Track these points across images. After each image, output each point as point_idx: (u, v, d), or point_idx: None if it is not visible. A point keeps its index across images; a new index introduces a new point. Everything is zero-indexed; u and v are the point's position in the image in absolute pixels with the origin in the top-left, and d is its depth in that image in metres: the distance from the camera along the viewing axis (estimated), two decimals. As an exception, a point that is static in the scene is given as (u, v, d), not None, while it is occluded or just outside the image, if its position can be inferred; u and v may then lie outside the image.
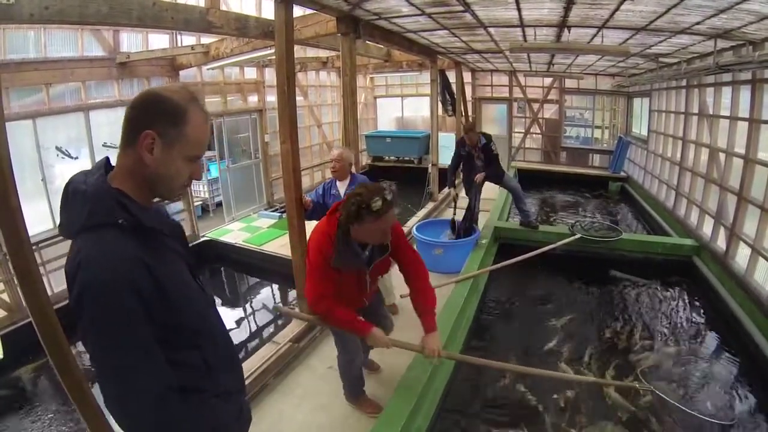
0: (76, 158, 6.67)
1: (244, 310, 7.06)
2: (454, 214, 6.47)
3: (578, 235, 6.15)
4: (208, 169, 10.83)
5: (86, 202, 1.16)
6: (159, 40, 7.73)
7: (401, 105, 15.35)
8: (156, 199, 1.38)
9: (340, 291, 2.67)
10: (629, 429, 3.43)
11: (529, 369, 3.51)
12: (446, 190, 10.52)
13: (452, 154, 6.55)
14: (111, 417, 1.22)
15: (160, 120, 1.21)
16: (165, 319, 1.20)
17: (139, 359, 1.15)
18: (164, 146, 1.22)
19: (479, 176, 6.13)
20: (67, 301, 1.16)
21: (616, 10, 4.01)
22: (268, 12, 7.20)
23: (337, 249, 2.48)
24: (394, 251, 2.70)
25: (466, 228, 6.20)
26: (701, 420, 3.40)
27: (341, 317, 2.63)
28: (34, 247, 3.06)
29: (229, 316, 6.74)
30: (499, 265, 5.51)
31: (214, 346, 1.40)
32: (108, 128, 6.93)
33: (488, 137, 6.28)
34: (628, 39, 5.36)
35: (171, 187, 1.30)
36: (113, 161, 1.31)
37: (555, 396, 3.74)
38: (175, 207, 8.19)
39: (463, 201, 6.47)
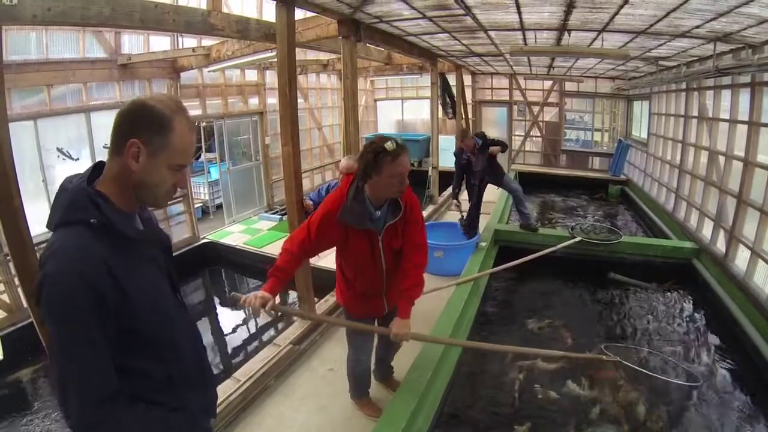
0: (77, 159, 6.68)
1: (245, 312, 7.05)
2: (462, 217, 6.50)
3: (578, 238, 6.16)
4: (209, 171, 10.85)
5: (65, 199, 1.21)
6: (160, 42, 7.75)
7: (401, 108, 15.38)
8: (149, 207, 1.43)
9: (355, 264, 2.66)
10: (601, 397, 3.73)
11: (496, 346, 3.98)
12: (447, 192, 10.56)
13: (454, 164, 6.49)
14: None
15: (145, 129, 1.23)
16: (125, 324, 1.21)
17: (85, 356, 1.14)
18: (149, 155, 1.24)
19: (495, 149, 6.19)
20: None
21: (616, 13, 4.03)
22: (269, 14, 7.23)
23: (347, 201, 2.46)
24: (405, 224, 2.62)
25: (470, 226, 6.32)
26: (670, 383, 3.67)
27: (277, 262, 2.54)
28: (35, 248, 3.07)
29: (229, 318, 6.76)
30: (499, 268, 5.53)
31: (179, 361, 1.39)
32: (109, 130, 6.75)
33: (482, 135, 6.33)
34: (628, 42, 5.37)
35: (155, 195, 1.32)
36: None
37: (556, 397, 3.75)
38: (175, 209, 8.20)
39: (465, 204, 6.50)
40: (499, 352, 4.12)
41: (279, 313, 2.58)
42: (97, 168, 1.32)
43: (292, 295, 6.81)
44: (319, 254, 2.84)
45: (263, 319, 6.56)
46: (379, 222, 2.55)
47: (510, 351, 4.11)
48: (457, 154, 6.26)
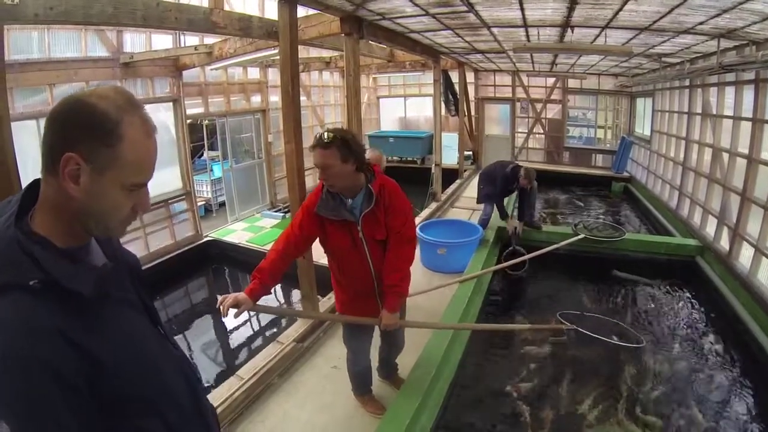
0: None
1: (248, 310, 7.05)
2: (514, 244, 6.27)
3: (581, 236, 6.14)
4: (211, 169, 10.87)
5: None
6: (162, 41, 7.76)
7: (404, 105, 15.39)
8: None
9: (340, 258, 2.69)
10: (563, 363, 4.14)
11: (474, 325, 4.31)
12: (450, 190, 10.56)
13: (498, 183, 6.27)
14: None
15: (84, 138, 0.91)
16: (106, 394, 0.95)
17: None
18: (93, 173, 0.92)
19: (519, 226, 6.26)
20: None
21: (620, 10, 4.01)
22: (271, 12, 7.21)
23: (322, 195, 2.53)
24: (387, 214, 2.60)
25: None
26: (618, 345, 4.04)
27: (260, 263, 2.56)
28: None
29: (232, 317, 6.77)
30: (502, 265, 5.52)
31: (179, 408, 1.15)
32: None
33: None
34: (631, 39, 5.35)
35: (107, 225, 1.01)
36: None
37: (559, 396, 3.75)
38: (178, 207, 8.22)
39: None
40: (474, 330, 4.27)
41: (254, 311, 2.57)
42: (32, 189, 1.00)
43: (296, 294, 6.84)
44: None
45: (265, 317, 6.56)
46: (355, 212, 2.57)
47: (485, 329, 4.37)
48: (509, 180, 6.14)
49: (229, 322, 6.60)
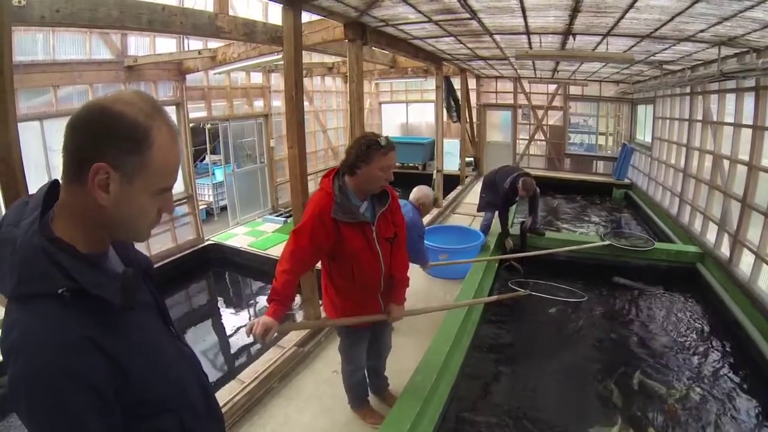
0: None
1: (249, 313, 7.08)
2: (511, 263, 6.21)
3: (607, 242, 6.15)
4: (213, 173, 10.89)
5: (14, 262, 0.89)
6: (166, 44, 7.80)
7: (406, 111, 15.43)
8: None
9: (353, 262, 2.60)
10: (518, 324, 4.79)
11: (459, 303, 4.41)
12: (451, 195, 10.58)
13: (492, 196, 6.28)
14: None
15: (114, 146, 0.90)
16: (128, 400, 0.96)
17: None
18: (122, 181, 0.92)
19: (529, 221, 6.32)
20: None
21: (621, 18, 4.04)
22: (273, 17, 7.25)
23: (336, 198, 2.46)
24: (392, 213, 2.67)
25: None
26: (564, 301, 4.67)
27: (273, 285, 2.50)
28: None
29: (233, 320, 6.77)
30: (501, 257, 5.57)
31: (192, 407, 1.17)
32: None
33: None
34: (632, 46, 5.38)
35: (136, 230, 1.03)
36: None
37: (560, 399, 3.75)
38: (179, 210, 8.22)
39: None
40: (455, 307, 4.28)
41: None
42: (52, 190, 1.00)
43: (296, 299, 6.83)
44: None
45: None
46: (368, 212, 2.58)
47: (461, 305, 4.34)
48: (511, 192, 5.97)
49: (229, 325, 6.62)
